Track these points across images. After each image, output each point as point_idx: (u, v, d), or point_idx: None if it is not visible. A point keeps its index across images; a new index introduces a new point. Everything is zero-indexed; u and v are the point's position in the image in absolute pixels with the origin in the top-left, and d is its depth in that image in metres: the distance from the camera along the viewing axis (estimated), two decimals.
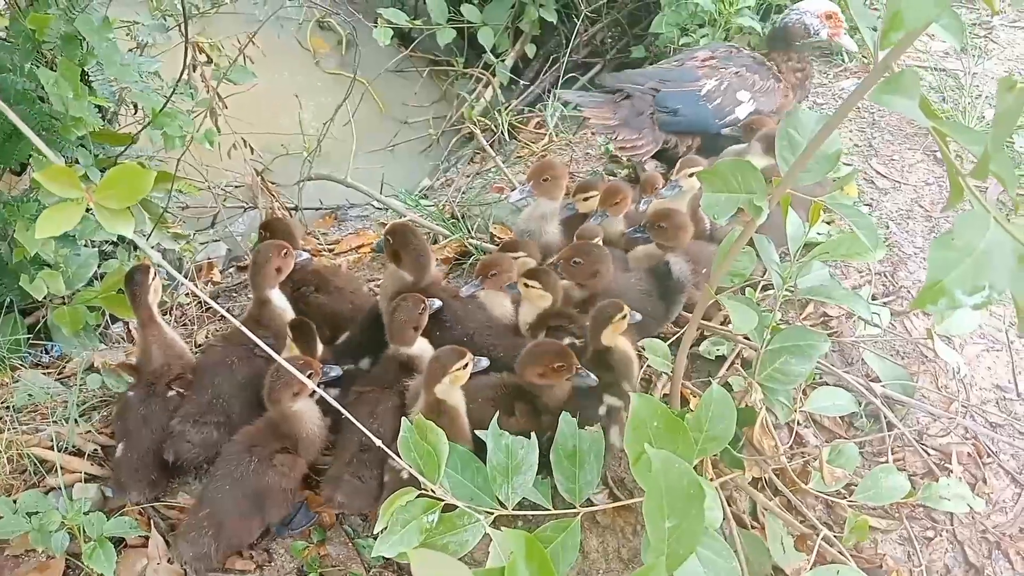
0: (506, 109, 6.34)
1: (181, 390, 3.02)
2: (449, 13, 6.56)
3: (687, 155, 3.88)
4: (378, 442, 1.88)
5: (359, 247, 5.05)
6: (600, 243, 3.43)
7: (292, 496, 2.77)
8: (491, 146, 6.32)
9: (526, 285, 3.15)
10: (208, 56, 4.80)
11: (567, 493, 2.26)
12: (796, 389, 2.69)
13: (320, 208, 5.85)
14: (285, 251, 3.20)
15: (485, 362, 2.87)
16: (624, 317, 2.85)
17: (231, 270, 5.19)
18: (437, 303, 3.08)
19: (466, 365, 2.72)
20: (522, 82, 6.93)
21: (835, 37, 4.16)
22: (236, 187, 5.78)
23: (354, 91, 5.89)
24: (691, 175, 3.49)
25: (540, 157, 5.41)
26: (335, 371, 2.95)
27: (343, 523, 2.81)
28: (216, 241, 5.46)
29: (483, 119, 6.43)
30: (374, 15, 6.52)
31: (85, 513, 2.57)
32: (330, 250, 5.17)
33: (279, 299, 3.24)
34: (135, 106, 4.80)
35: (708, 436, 2.22)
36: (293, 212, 5.64)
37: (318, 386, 2.73)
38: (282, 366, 2.51)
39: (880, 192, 4.08)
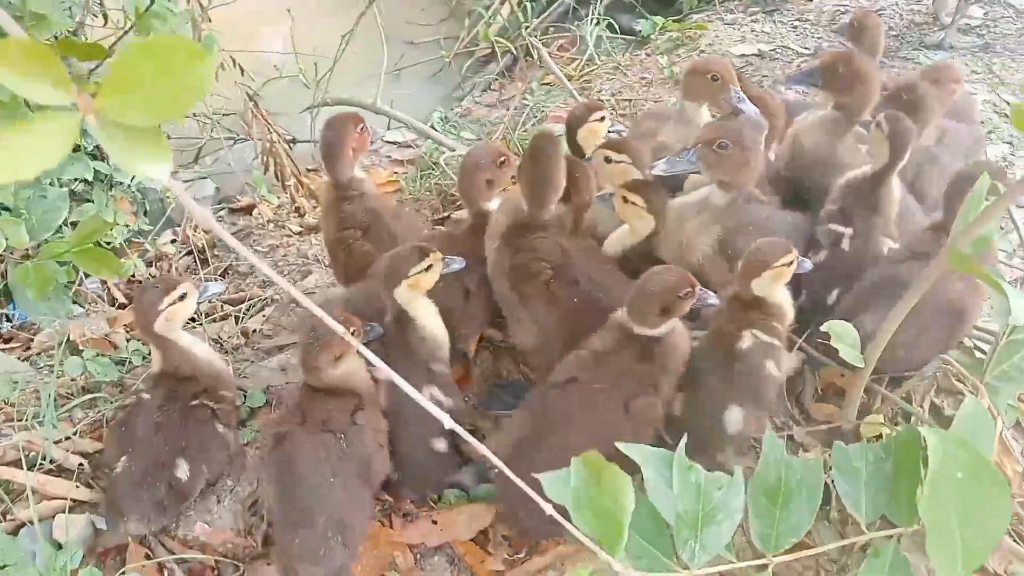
0: (530, 29, 5.55)
1: (211, 403, 2.36)
2: None
3: None
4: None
5: None
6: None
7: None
8: (509, 71, 5.60)
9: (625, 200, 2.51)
10: None
11: (760, 540, 1.61)
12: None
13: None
14: (503, 159, 2.61)
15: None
16: None
17: (222, 212, 4.42)
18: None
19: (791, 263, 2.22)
20: None
21: None
22: (224, 115, 4.94)
23: (351, 7, 5.06)
24: None
25: (583, 82, 4.66)
26: (378, 329, 2.35)
27: None
28: (203, 178, 4.67)
29: (501, 39, 5.65)
30: None
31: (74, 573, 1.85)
32: None
33: None
34: (104, 16, 3.99)
35: None
36: (292, 145, 4.82)
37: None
38: (319, 325, 2.13)
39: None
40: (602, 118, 2.84)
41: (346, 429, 2.13)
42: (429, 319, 2.37)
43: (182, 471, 2.22)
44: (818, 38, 4.39)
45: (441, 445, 2.32)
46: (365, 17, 5.60)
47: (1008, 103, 3.57)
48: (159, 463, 2.19)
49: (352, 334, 2.19)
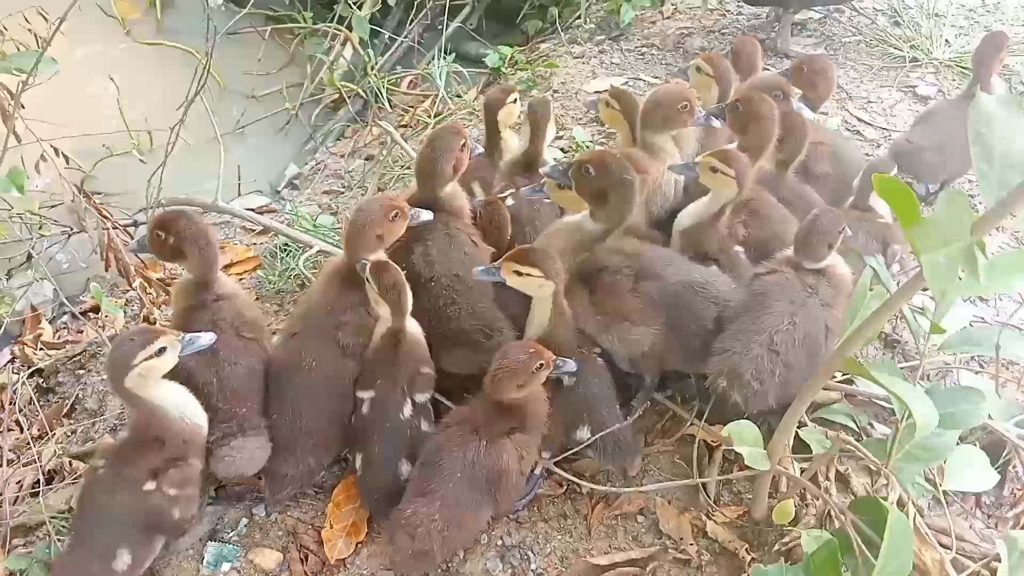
0: (376, 69, 5.32)
1: (170, 489, 2.21)
2: None
3: None
4: None
5: (227, 267, 3.97)
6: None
7: None
8: (361, 115, 5.38)
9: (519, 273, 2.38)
10: None
11: None
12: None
13: None
14: (395, 212, 2.57)
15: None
16: None
17: (64, 318, 4.03)
18: None
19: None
20: (386, 35, 5.86)
21: None
22: (52, 207, 4.50)
23: (179, 62, 4.72)
24: None
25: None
26: (569, 365, 2.34)
27: None
28: (39, 280, 4.24)
29: (347, 84, 5.41)
30: None
31: None
32: None
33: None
34: None
35: None
36: (133, 228, 4.43)
37: None
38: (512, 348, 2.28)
39: (871, 144, 3.46)
40: (515, 100, 3.18)
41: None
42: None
43: (122, 562, 2.14)
44: (667, 64, 4.37)
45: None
46: (199, 74, 5.28)
47: (859, 119, 3.62)
48: (99, 554, 2.12)
49: (540, 368, 2.26)
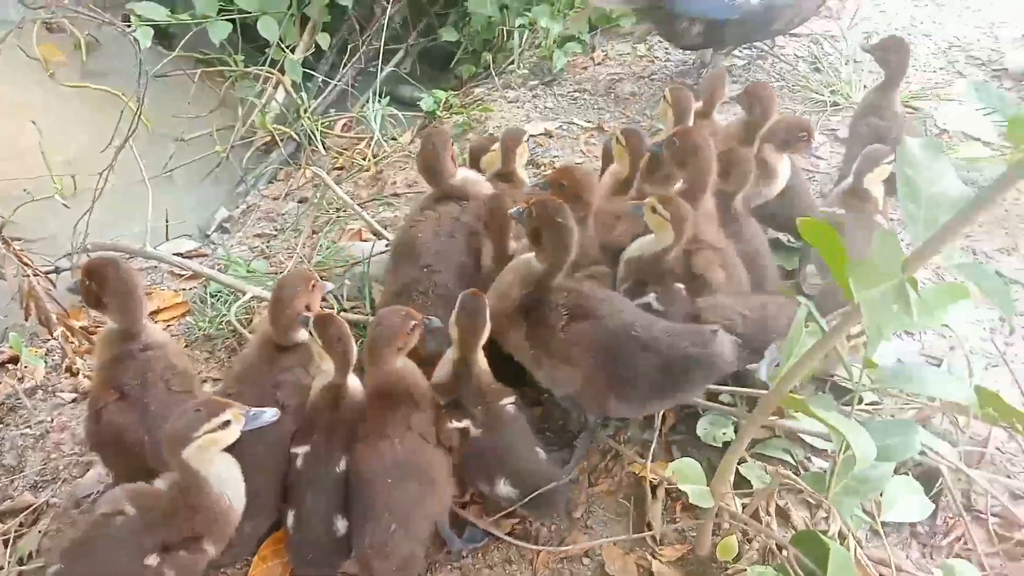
0: (309, 112, 5.30)
1: (169, 571, 2.08)
2: (220, 2, 5.37)
3: None
4: None
5: (154, 313, 3.86)
6: None
7: None
8: (294, 157, 5.34)
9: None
10: None
11: None
12: None
13: None
14: (313, 283, 2.68)
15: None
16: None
17: None
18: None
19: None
20: (320, 78, 5.86)
21: None
22: None
23: (103, 105, 4.61)
24: None
25: (376, 172, 4.47)
26: (434, 322, 2.54)
27: None
28: None
29: (280, 127, 5.37)
30: (117, 11, 5.18)
31: None
32: None
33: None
34: None
35: None
36: (55, 275, 4.27)
37: None
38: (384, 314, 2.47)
39: None
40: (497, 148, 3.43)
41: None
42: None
43: None
44: (599, 108, 4.46)
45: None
46: (125, 117, 5.15)
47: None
48: None
49: (414, 328, 2.47)
